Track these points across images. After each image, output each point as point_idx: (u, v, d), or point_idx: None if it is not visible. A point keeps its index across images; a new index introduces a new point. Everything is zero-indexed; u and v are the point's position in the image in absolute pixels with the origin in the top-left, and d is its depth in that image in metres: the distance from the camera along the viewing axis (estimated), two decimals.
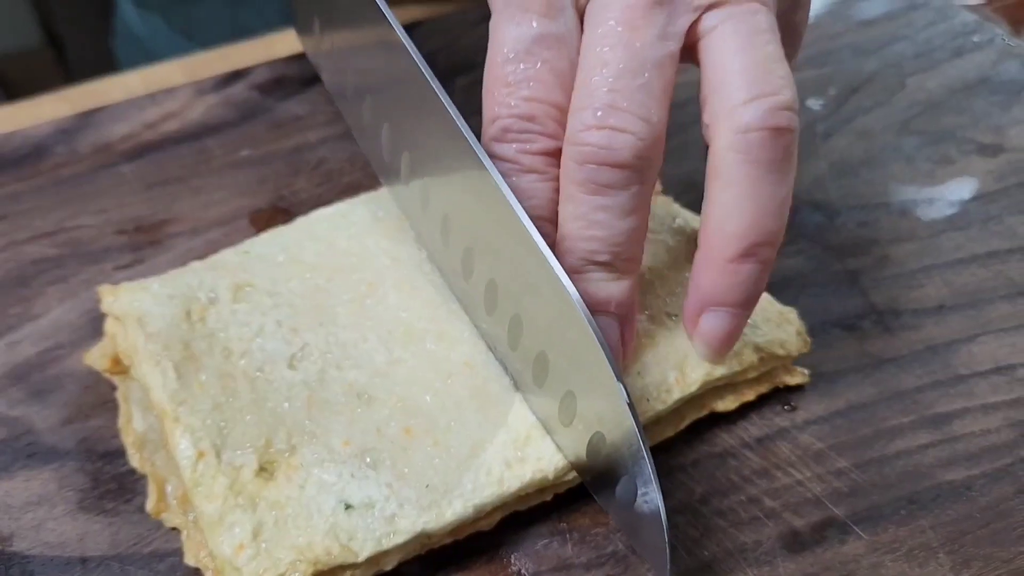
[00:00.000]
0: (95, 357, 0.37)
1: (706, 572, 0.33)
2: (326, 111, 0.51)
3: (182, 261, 0.43)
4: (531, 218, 0.32)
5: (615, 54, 0.32)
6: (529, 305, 0.33)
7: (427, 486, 0.32)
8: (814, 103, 0.52)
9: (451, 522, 0.31)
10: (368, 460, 0.32)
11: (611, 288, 0.33)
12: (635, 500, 0.31)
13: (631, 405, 0.29)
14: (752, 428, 0.37)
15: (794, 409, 0.38)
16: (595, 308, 0.33)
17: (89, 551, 0.33)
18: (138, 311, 0.35)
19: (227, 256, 0.38)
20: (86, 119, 0.50)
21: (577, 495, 0.35)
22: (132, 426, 0.36)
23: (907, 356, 0.40)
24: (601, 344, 0.30)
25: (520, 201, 0.32)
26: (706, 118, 0.33)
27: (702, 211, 0.33)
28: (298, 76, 0.53)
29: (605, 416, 0.31)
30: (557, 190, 0.34)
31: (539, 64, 0.33)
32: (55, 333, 0.40)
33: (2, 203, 0.46)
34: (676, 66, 0.33)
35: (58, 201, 0.46)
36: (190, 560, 0.32)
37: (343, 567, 0.30)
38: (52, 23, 1.42)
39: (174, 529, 0.34)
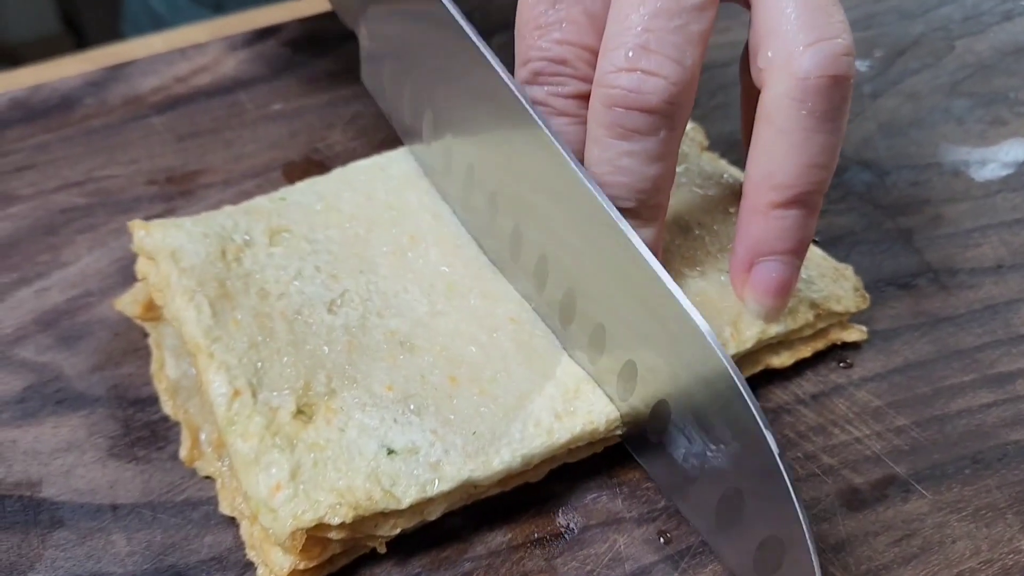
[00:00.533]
0: (126, 303, 0.36)
1: None
2: (359, 68, 0.49)
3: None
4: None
5: None
6: (583, 276, 0.32)
7: (474, 433, 0.30)
8: (861, 64, 0.51)
9: (498, 471, 0.30)
10: (412, 406, 0.31)
11: (637, 235, 0.32)
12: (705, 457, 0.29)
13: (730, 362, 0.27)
14: (807, 384, 0.36)
15: (850, 366, 0.36)
16: None
17: (120, 498, 0.32)
18: (171, 246, 0.34)
19: (261, 202, 0.37)
20: (115, 72, 0.49)
21: (624, 451, 0.33)
22: (165, 372, 0.34)
23: (965, 315, 0.38)
24: (683, 299, 0.28)
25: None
26: (761, 62, 0.31)
27: (748, 157, 0.32)
28: (332, 33, 0.52)
29: (680, 378, 0.29)
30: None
31: (573, 5, 0.32)
32: (84, 281, 0.39)
33: (30, 153, 0.44)
34: (716, 8, 0.31)
35: (87, 151, 0.45)
36: (225, 509, 0.31)
37: (385, 514, 0.29)
38: (70, 9, 1.42)
39: (207, 478, 0.32)
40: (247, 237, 0.35)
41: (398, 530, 0.29)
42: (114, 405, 0.35)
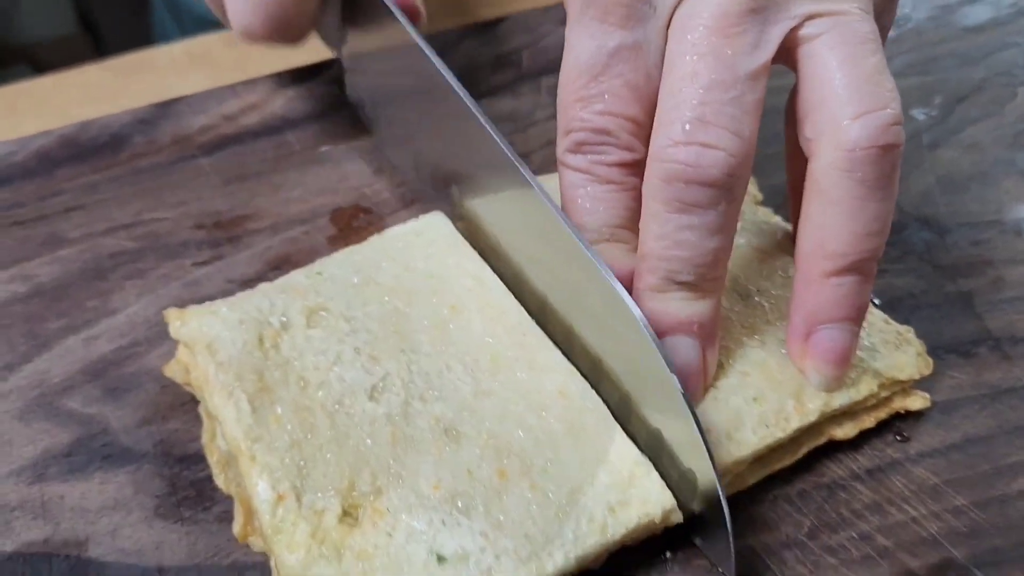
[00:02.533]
0: (176, 370, 0.35)
1: None
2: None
3: (261, 258, 0.42)
4: (609, 227, 0.32)
5: (705, 64, 0.30)
6: (606, 346, 0.32)
7: (526, 536, 0.29)
8: (919, 112, 0.50)
9: (552, 575, 0.29)
10: (460, 505, 0.30)
11: (694, 308, 0.32)
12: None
13: (703, 435, 0.29)
14: (862, 459, 0.35)
15: (907, 440, 0.35)
16: (677, 329, 0.32)
17: (166, 560, 0.32)
18: (207, 337, 0.33)
19: (298, 278, 0.36)
20: (165, 109, 0.49)
21: (677, 528, 0.33)
22: (216, 444, 0.34)
23: None
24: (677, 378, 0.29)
25: (596, 210, 0.32)
26: (808, 132, 0.31)
27: (799, 228, 0.32)
28: None
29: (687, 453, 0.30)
30: (636, 199, 0.33)
31: (615, 78, 0.32)
32: (132, 330, 0.39)
33: (79, 193, 0.45)
34: (768, 76, 0.31)
35: (136, 192, 0.45)
36: None
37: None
38: (87, 9, 1.42)
39: (262, 552, 0.32)
40: (284, 319, 0.34)
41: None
42: (160, 462, 0.34)
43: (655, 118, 0.31)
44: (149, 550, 0.32)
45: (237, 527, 0.32)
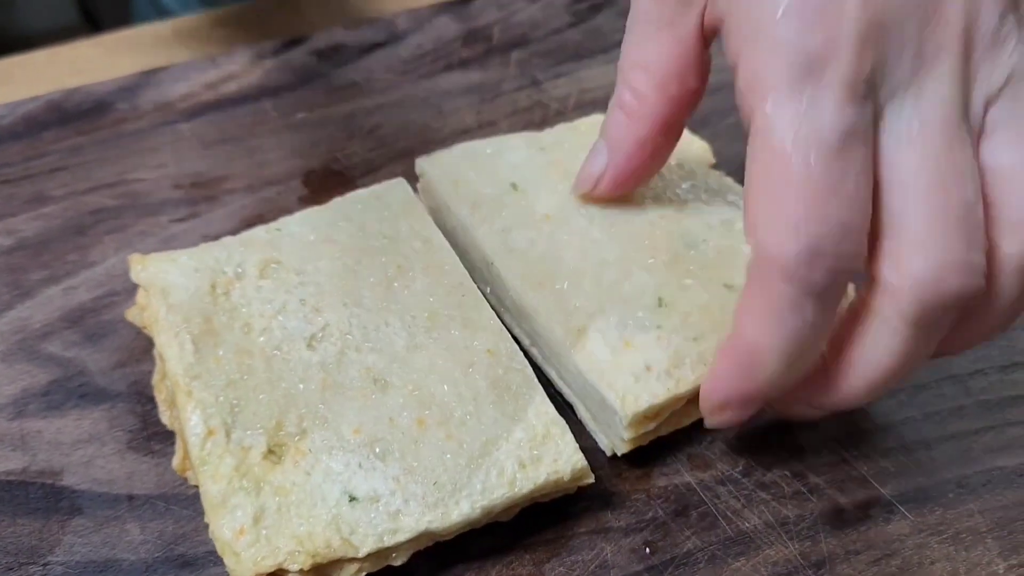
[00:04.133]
0: (135, 313, 0.37)
1: (747, 542, 0.33)
2: (382, 79, 0.51)
3: (236, 216, 0.44)
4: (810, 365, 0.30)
5: (945, 177, 0.28)
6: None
7: (435, 483, 0.31)
8: None
9: (457, 523, 0.30)
10: (377, 450, 0.31)
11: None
12: None
13: None
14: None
15: None
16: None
17: (136, 489, 0.34)
18: (163, 281, 0.35)
19: (259, 233, 0.38)
20: (148, 77, 0.51)
21: (614, 462, 0.35)
22: (164, 383, 0.36)
23: None
24: None
25: (804, 343, 0.29)
26: (875, 254, 0.29)
27: (839, 334, 0.31)
28: (355, 44, 0.53)
29: None
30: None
31: (856, 159, 0.27)
32: (110, 281, 0.41)
33: (64, 155, 0.47)
34: None
35: (118, 155, 0.47)
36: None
37: (344, 560, 0.30)
38: (89, 1, 1.43)
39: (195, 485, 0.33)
40: (239, 269, 0.36)
41: (363, 574, 0.30)
42: (134, 401, 0.36)
43: (882, 229, 0.28)
44: (121, 479, 0.34)
45: (176, 460, 0.34)
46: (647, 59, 0.33)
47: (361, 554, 0.29)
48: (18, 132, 0.48)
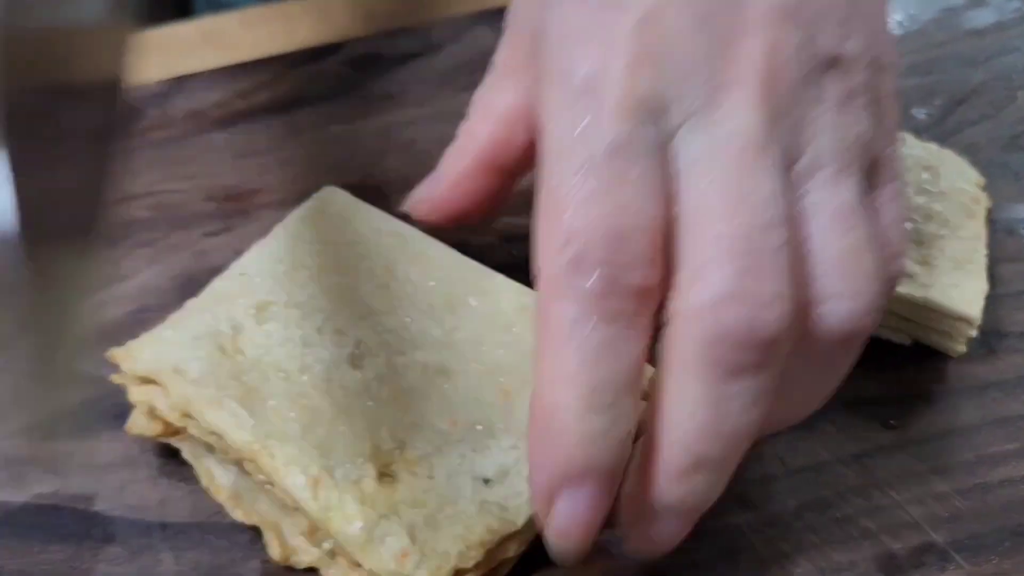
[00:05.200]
0: (143, 426, 0.34)
1: None
2: (417, 91, 0.50)
3: (268, 231, 0.42)
4: (614, 393, 0.25)
5: (743, 204, 0.26)
6: None
7: None
8: (918, 112, 0.50)
9: None
10: (480, 429, 0.31)
11: (709, 494, 0.28)
12: None
13: None
14: (849, 444, 0.36)
15: (894, 428, 0.36)
16: (684, 519, 0.28)
17: (169, 516, 0.33)
18: (170, 362, 0.33)
19: (223, 284, 0.36)
20: (179, 84, 0.50)
21: None
22: (218, 483, 0.33)
23: (1012, 380, 0.38)
24: None
25: (598, 366, 0.25)
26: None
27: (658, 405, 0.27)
28: (391, 54, 0.52)
29: None
30: (645, 345, 0.27)
31: (634, 167, 0.26)
32: (142, 296, 0.40)
33: None
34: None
35: (150, 164, 0.46)
36: None
37: (506, 540, 0.30)
38: None
39: (310, 569, 0.32)
40: (233, 324, 0.34)
41: (525, 546, 0.30)
42: None
43: (676, 261, 0.26)
44: (154, 506, 0.33)
45: (275, 551, 0.31)
46: (487, 100, 0.36)
47: (521, 523, 0.30)
48: None
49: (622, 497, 0.28)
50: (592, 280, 0.25)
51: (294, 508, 0.31)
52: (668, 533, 0.28)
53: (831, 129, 0.28)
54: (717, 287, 0.25)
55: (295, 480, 0.30)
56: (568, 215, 0.26)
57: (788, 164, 0.27)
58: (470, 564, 0.29)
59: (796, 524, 0.33)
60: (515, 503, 0.30)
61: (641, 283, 0.26)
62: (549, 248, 0.26)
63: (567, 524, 0.27)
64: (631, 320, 0.26)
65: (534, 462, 0.27)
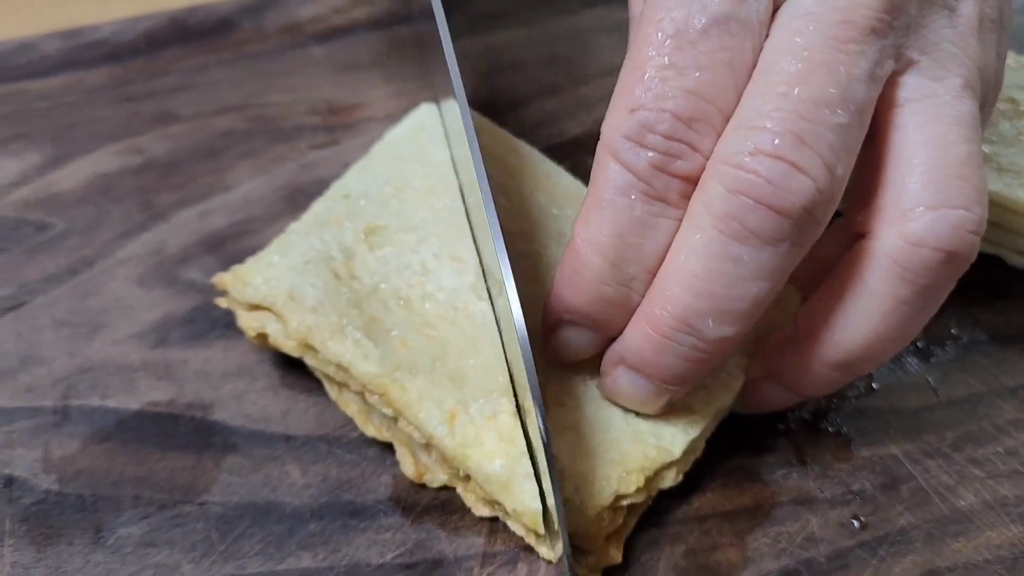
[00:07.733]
0: (279, 338, 0.31)
1: (965, 522, 0.30)
2: (519, 12, 0.48)
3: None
4: (639, 270, 0.26)
5: (817, 75, 0.24)
6: None
7: None
8: None
9: (736, 390, 0.30)
10: None
11: (693, 372, 0.27)
12: None
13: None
14: (1004, 377, 0.34)
15: None
16: (662, 387, 0.27)
17: (293, 429, 0.31)
18: (284, 289, 0.30)
19: (326, 206, 0.33)
20: None
21: (811, 427, 0.32)
22: (345, 396, 0.31)
23: None
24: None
25: (633, 241, 0.25)
26: (867, 210, 0.27)
27: (813, 297, 0.28)
28: None
29: None
30: (671, 237, 0.26)
31: (717, 50, 0.25)
32: (247, 206, 0.38)
33: (188, 74, 0.44)
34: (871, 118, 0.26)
35: (245, 76, 0.44)
36: (480, 510, 0.29)
37: (662, 469, 0.28)
38: None
39: (444, 488, 0.30)
40: (345, 249, 0.32)
41: (681, 477, 0.29)
42: None
43: (732, 119, 0.25)
44: (276, 418, 0.31)
45: (409, 468, 0.30)
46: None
47: (678, 454, 0.28)
48: (139, 49, 0.45)
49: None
50: (648, 155, 0.25)
51: (424, 444, 0.29)
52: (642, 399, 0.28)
53: (963, 46, 0.26)
54: (759, 141, 0.24)
55: (430, 415, 0.28)
56: (643, 87, 0.25)
57: (897, 57, 0.26)
58: (632, 489, 0.27)
59: (956, 456, 0.31)
60: (670, 432, 0.28)
61: (691, 171, 0.25)
62: (616, 114, 0.26)
63: (561, 351, 0.29)
64: (667, 209, 0.26)
65: (555, 295, 0.27)
